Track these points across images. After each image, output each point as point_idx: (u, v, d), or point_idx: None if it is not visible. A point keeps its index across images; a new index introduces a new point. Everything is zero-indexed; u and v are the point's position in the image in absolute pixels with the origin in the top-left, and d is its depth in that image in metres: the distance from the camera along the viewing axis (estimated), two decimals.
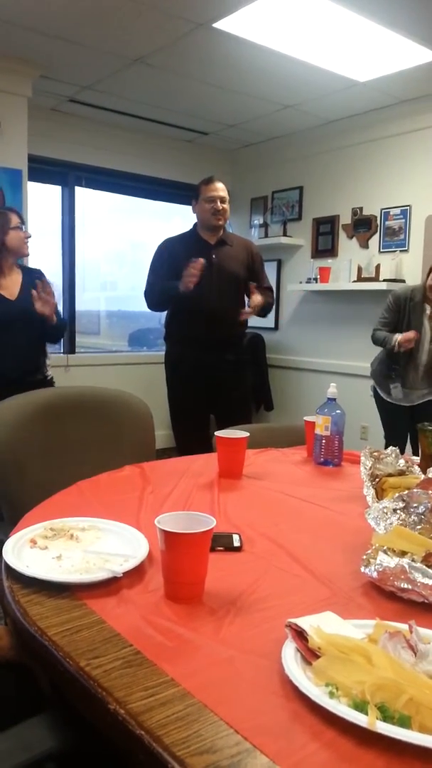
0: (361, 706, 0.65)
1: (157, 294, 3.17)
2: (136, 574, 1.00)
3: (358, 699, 0.66)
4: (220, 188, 3.10)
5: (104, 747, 0.72)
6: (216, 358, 3.13)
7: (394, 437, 3.47)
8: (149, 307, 3.27)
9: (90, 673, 0.74)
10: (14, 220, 2.70)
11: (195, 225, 3.21)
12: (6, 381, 2.56)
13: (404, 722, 0.63)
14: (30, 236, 2.78)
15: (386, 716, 0.64)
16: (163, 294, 3.13)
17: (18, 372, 2.65)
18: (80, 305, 4.95)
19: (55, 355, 4.61)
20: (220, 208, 3.06)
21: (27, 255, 2.82)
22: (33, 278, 2.72)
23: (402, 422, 3.45)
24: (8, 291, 2.68)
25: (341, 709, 0.65)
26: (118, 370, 4.92)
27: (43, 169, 4.43)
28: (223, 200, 3.08)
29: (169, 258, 3.12)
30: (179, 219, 5.49)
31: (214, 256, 3.09)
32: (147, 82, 3.92)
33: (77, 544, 1.11)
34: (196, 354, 3.13)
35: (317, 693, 0.68)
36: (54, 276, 3.00)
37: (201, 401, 3.20)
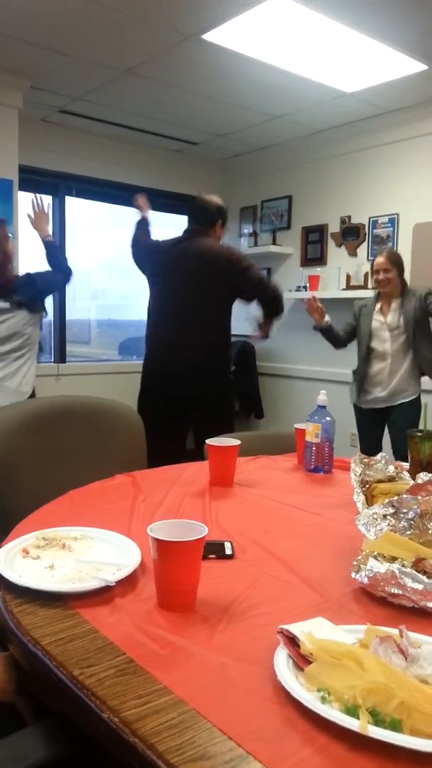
0: (352, 711, 0.66)
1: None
2: (129, 583, 1.00)
3: (350, 704, 0.67)
4: None
5: (98, 755, 0.72)
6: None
7: (366, 441, 3.60)
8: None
9: (83, 682, 0.74)
10: (5, 231, 2.76)
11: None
12: None
13: (396, 726, 0.64)
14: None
15: (378, 720, 0.65)
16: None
17: None
18: (70, 314, 4.95)
19: (45, 364, 4.61)
20: None
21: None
22: None
23: (375, 427, 3.58)
24: None
25: (333, 713, 0.66)
26: (109, 379, 4.92)
27: (33, 179, 4.43)
28: None
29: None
30: (171, 228, 5.52)
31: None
32: (137, 92, 3.94)
33: (69, 554, 1.11)
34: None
35: (309, 698, 0.69)
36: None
37: (166, 413, 3.12)
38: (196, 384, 3.10)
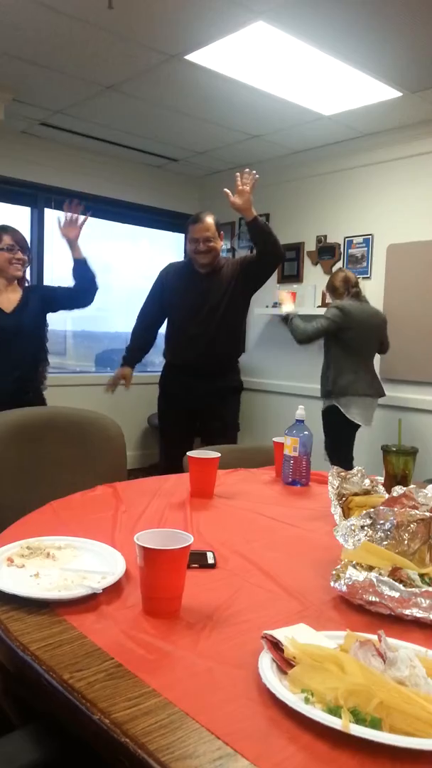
0: (335, 711, 0.69)
1: (134, 334, 3.32)
2: (114, 590, 1.02)
3: (332, 704, 0.70)
4: (203, 228, 3.03)
5: (87, 757, 0.74)
6: (204, 386, 3.13)
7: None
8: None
9: (74, 686, 0.76)
10: (5, 240, 2.69)
11: None
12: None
13: (375, 724, 0.67)
14: (22, 259, 2.75)
15: (359, 719, 0.68)
16: (130, 342, 3.33)
17: (15, 388, 2.66)
18: None
19: None
20: (202, 249, 3.01)
21: (16, 276, 2.77)
22: (34, 295, 2.77)
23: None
24: (3, 305, 2.70)
25: (316, 713, 0.69)
26: (86, 391, 4.90)
27: (12, 190, 4.45)
28: (207, 240, 3.01)
29: (162, 286, 3.21)
30: (147, 242, 5.56)
31: (204, 285, 3.09)
32: (118, 108, 3.99)
33: (54, 563, 1.12)
34: (185, 379, 3.16)
35: (293, 699, 0.72)
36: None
37: (187, 425, 3.24)
38: None
